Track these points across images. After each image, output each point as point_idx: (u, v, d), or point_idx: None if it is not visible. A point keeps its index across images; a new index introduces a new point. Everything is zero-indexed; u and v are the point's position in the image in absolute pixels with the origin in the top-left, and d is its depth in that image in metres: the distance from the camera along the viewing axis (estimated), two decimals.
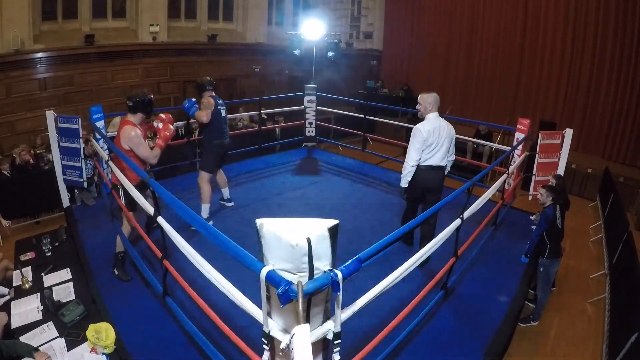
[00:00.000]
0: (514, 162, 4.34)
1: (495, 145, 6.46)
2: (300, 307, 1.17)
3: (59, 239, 3.74)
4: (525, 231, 4.06)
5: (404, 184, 3.22)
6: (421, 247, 2.50)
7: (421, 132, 3.11)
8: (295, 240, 1.25)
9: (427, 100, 3.19)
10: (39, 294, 2.93)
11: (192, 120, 5.40)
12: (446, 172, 3.37)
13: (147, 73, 8.23)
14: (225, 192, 4.44)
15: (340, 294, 1.38)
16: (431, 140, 3.13)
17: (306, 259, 1.27)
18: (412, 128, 3.25)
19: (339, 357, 1.50)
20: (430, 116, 3.19)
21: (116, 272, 3.18)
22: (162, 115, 3.24)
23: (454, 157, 3.38)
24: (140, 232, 2.95)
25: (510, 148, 4.55)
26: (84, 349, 2.41)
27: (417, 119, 3.45)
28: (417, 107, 3.30)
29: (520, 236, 3.98)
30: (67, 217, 4.22)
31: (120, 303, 2.86)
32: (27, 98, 6.86)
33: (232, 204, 4.48)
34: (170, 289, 2.66)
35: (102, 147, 4.09)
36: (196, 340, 2.29)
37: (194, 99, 4.02)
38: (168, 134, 3.11)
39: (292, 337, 1.08)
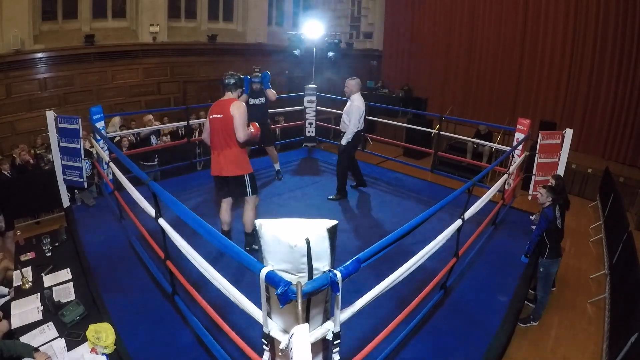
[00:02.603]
0: (514, 162, 4.34)
1: (495, 146, 6.46)
2: (300, 308, 1.17)
3: (59, 239, 3.73)
4: (525, 231, 4.06)
5: (345, 142, 4.39)
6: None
7: (360, 108, 4.28)
8: (294, 241, 1.26)
9: (352, 84, 4.29)
10: (39, 294, 2.93)
11: (192, 122, 5.43)
12: None
13: (147, 73, 8.24)
14: (276, 166, 5.27)
15: (339, 295, 1.38)
16: (364, 111, 4.36)
17: (305, 259, 1.28)
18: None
19: (338, 357, 1.51)
20: (356, 96, 4.28)
21: (255, 248, 3.41)
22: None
23: None
24: (142, 232, 2.96)
25: (510, 148, 4.55)
26: (84, 349, 2.41)
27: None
28: (345, 89, 4.36)
29: (520, 236, 3.98)
30: (67, 217, 4.23)
31: (120, 303, 2.86)
32: (27, 98, 6.86)
33: (281, 176, 5.30)
34: (173, 289, 2.67)
35: (102, 148, 4.10)
36: (203, 339, 2.30)
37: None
38: (257, 131, 3.29)
39: (291, 337, 1.08)
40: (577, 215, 5.91)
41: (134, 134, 5.75)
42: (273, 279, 1.28)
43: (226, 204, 3.47)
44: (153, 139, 5.72)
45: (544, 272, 3.46)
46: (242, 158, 3.22)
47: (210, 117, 3.17)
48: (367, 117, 6.20)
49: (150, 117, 5.84)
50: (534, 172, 4.53)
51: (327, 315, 1.52)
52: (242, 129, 3.09)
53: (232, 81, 3.19)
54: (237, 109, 3.08)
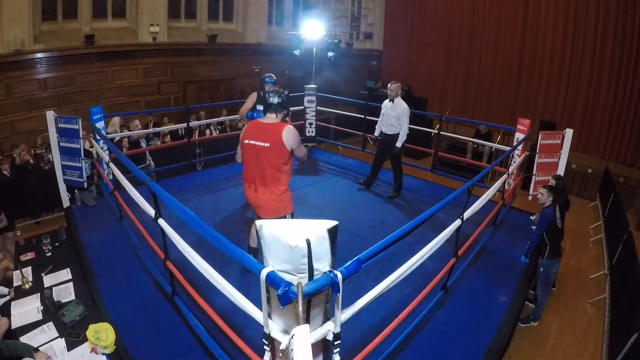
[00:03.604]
0: (514, 162, 4.34)
1: (495, 145, 6.46)
2: (300, 308, 1.17)
3: (59, 239, 3.73)
4: (525, 231, 4.06)
5: (400, 144, 4.59)
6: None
7: (409, 109, 4.55)
8: (294, 242, 1.26)
9: (397, 87, 4.62)
10: (39, 294, 2.92)
11: (192, 122, 5.40)
12: None
13: (147, 73, 8.23)
14: None
15: (340, 295, 1.38)
16: None
17: (306, 260, 1.27)
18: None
19: (339, 358, 1.50)
20: (399, 99, 4.59)
21: None
22: None
23: None
24: (142, 232, 2.96)
25: (510, 148, 4.55)
26: (84, 349, 2.41)
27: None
28: (389, 93, 4.61)
29: (520, 236, 3.98)
30: (67, 217, 4.22)
31: (120, 303, 2.86)
32: (27, 98, 6.86)
33: None
34: (173, 289, 2.67)
35: (102, 148, 4.10)
36: (203, 340, 2.30)
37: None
38: None
39: (292, 337, 1.08)
40: (577, 215, 5.91)
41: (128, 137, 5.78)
42: (273, 280, 1.28)
43: None
44: (143, 142, 5.74)
45: (544, 272, 3.46)
46: (285, 196, 2.67)
47: (247, 142, 2.60)
48: (367, 117, 6.29)
49: (137, 122, 5.87)
50: (534, 172, 4.53)
51: (328, 316, 1.52)
52: (304, 154, 2.72)
53: (276, 100, 2.57)
54: (293, 137, 2.54)
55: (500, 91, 9.20)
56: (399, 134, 4.56)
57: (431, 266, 3.05)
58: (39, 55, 6.87)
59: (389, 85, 4.64)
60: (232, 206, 4.46)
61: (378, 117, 6.95)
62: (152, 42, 8.17)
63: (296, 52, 7.19)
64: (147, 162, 5.67)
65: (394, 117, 4.55)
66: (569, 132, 4.29)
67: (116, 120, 6.05)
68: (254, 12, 9.71)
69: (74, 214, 4.21)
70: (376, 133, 4.91)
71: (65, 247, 3.66)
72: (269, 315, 1.48)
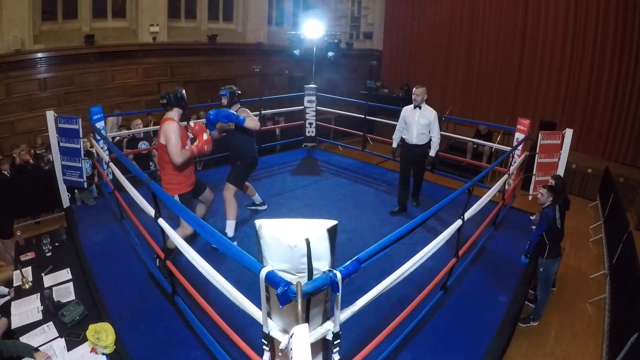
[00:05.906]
0: (514, 162, 4.34)
1: (495, 146, 6.45)
2: (300, 308, 1.17)
3: (59, 239, 3.74)
4: (525, 231, 4.06)
5: (434, 153, 4.29)
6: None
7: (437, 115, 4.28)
8: (294, 241, 1.26)
9: (423, 91, 4.24)
10: (39, 294, 2.93)
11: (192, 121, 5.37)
12: None
13: (147, 73, 8.23)
14: (257, 199, 4.31)
15: (339, 295, 1.38)
16: None
17: (305, 259, 1.28)
18: None
19: (338, 358, 1.51)
20: (425, 104, 4.28)
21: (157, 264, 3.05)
22: (192, 124, 3.21)
23: None
24: (142, 232, 2.96)
25: (510, 148, 4.55)
26: (84, 349, 2.41)
27: None
28: (415, 98, 4.23)
29: (520, 236, 3.98)
30: (67, 217, 4.23)
31: (120, 303, 2.86)
32: (27, 98, 6.86)
33: (265, 207, 4.38)
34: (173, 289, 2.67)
35: (102, 148, 4.10)
36: (203, 339, 2.30)
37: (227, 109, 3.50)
38: (203, 145, 3.06)
39: (291, 337, 1.08)
40: (577, 215, 5.91)
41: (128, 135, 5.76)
42: (273, 279, 1.28)
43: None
44: (143, 144, 5.73)
45: (544, 272, 3.46)
46: (170, 181, 3.02)
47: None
48: (367, 117, 6.29)
49: (139, 121, 5.84)
50: (534, 172, 4.53)
51: (327, 315, 1.52)
52: (176, 152, 2.85)
53: (163, 101, 2.99)
54: (162, 134, 2.89)
55: (500, 91, 9.19)
56: (429, 141, 4.25)
57: (431, 266, 3.05)
58: (39, 55, 6.87)
59: (414, 89, 4.27)
60: None
61: (378, 117, 7.01)
62: (152, 42, 8.17)
63: (296, 52, 7.20)
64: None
65: (424, 124, 4.16)
66: (568, 132, 4.29)
67: (108, 120, 6.05)
68: (254, 12, 9.71)
69: (74, 214, 4.22)
70: (394, 145, 4.51)
71: (65, 247, 3.67)
72: (269, 315, 1.48)
